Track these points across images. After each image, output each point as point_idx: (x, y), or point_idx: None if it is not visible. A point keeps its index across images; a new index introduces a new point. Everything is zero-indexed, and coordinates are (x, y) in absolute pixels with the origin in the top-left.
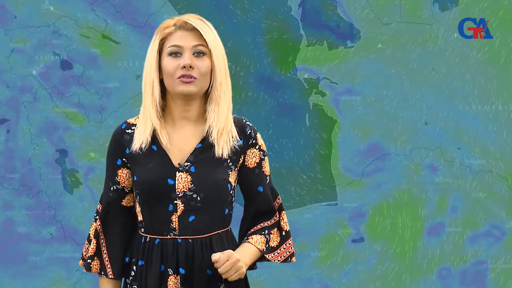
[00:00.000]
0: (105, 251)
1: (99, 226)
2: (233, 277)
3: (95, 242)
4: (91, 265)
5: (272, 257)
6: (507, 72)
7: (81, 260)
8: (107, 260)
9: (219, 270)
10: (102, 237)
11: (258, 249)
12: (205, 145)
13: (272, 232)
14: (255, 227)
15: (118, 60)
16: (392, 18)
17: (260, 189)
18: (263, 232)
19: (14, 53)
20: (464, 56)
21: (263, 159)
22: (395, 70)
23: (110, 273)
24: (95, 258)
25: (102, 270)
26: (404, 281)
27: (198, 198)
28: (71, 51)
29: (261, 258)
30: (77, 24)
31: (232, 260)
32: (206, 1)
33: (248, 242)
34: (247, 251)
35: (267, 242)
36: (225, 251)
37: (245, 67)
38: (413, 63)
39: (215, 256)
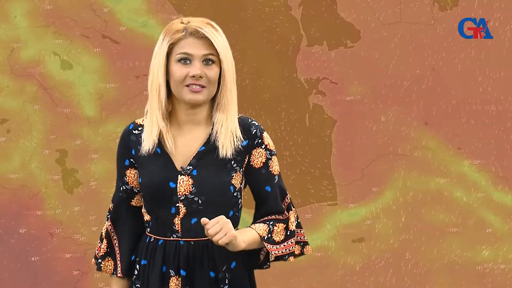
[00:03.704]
0: (117, 251)
1: (110, 226)
2: (223, 239)
3: (106, 242)
4: (101, 265)
5: (270, 248)
6: (508, 72)
7: (93, 259)
8: (119, 260)
9: (209, 232)
10: (114, 237)
11: (259, 234)
12: (209, 148)
13: (277, 225)
14: (262, 219)
15: (118, 60)
16: (392, 18)
17: (268, 188)
18: (268, 222)
19: (14, 53)
20: (464, 56)
21: (270, 159)
22: (395, 70)
23: (119, 272)
24: (107, 258)
25: (115, 270)
26: (404, 281)
27: (200, 201)
28: (71, 51)
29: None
30: (77, 24)
31: (222, 221)
32: (205, 1)
33: (250, 227)
34: (245, 232)
35: (270, 232)
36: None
37: (245, 67)
38: (413, 63)
39: (205, 220)
